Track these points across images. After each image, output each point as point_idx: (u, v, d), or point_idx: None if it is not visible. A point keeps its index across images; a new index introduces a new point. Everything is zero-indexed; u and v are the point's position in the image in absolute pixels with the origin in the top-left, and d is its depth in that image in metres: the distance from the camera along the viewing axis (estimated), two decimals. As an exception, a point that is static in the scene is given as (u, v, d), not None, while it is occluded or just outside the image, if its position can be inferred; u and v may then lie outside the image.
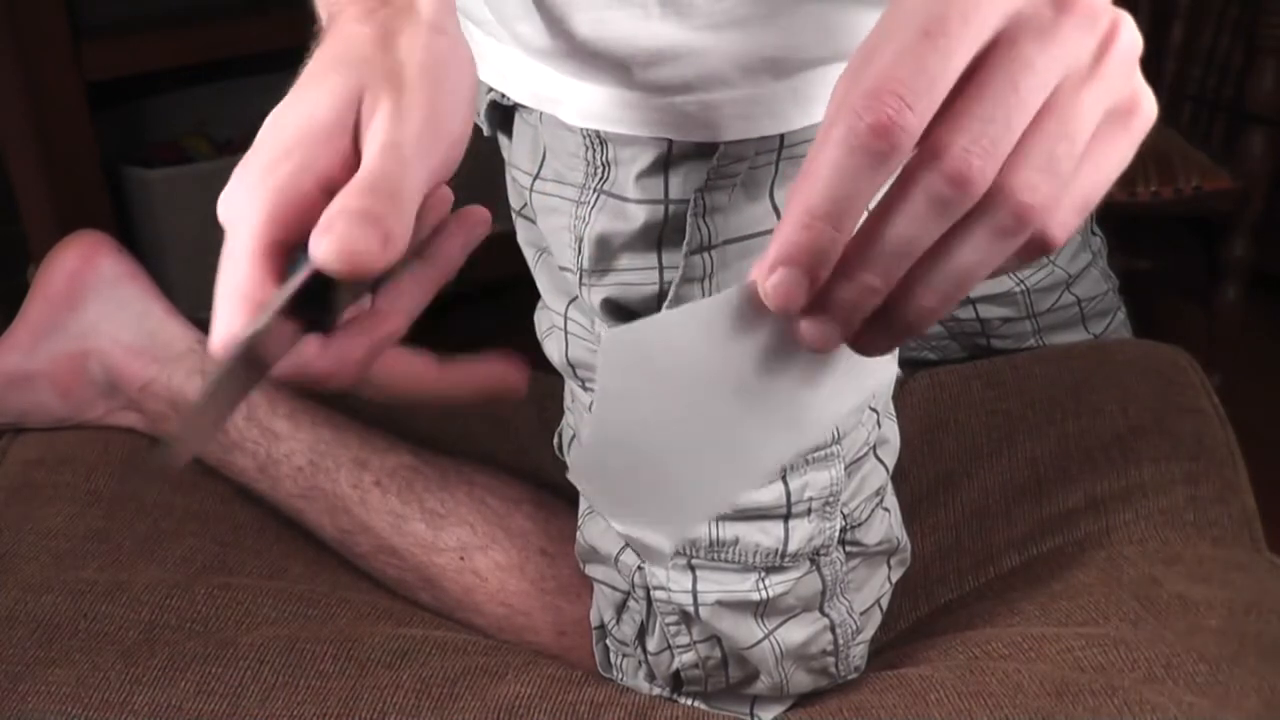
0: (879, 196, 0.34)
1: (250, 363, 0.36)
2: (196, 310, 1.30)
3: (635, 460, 0.39)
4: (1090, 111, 0.34)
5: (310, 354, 0.37)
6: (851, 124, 0.32)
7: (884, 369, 0.41)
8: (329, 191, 0.37)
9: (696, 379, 0.38)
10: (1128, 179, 1.54)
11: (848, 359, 0.39)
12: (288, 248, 0.37)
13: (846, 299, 0.35)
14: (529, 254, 0.66)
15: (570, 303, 0.62)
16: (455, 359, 0.41)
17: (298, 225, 0.37)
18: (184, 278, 1.52)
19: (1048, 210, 0.33)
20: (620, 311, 0.59)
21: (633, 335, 0.37)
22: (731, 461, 0.40)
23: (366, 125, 0.38)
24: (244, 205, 0.37)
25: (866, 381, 0.41)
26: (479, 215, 0.42)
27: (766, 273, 0.34)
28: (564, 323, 0.63)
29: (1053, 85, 0.33)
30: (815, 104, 0.53)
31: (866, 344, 0.37)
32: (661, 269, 0.57)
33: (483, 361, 0.41)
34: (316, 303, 0.37)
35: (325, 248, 0.34)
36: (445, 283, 0.42)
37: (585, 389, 0.64)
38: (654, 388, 0.38)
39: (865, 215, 0.34)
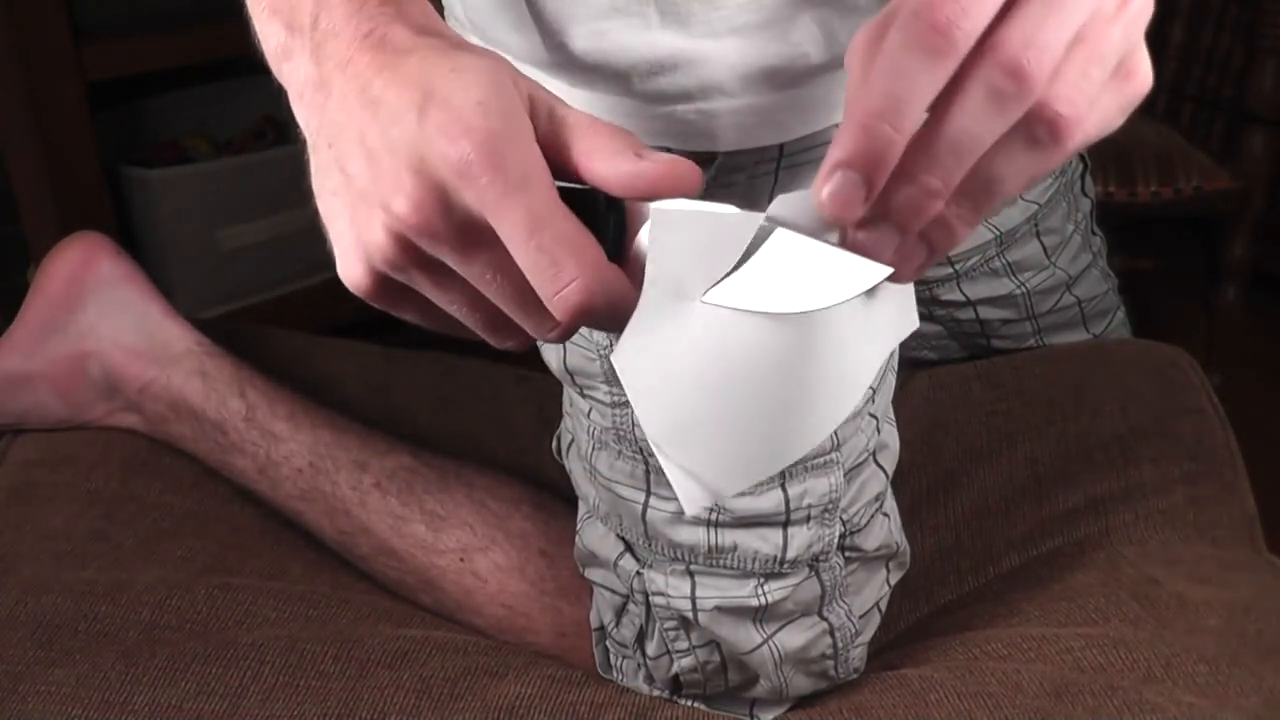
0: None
1: None
2: (196, 310, 1.30)
3: (684, 362, 0.38)
4: (1115, 44, 0.35)
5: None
6: (910, 23, 0.33)
7: (905, 316, 0.42)
8: None
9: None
10: (1128, 178, 1.54)
11: (869, 310, 0.39)
12: None
13: (907, 202, 0.35)
14: None
15: None
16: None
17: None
18: (184, 278, 1.52)
19: (1076, 127, 0.35)
20: None
21: (685, 220, 0.37)
22: (786, 400, 0.39)
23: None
24: (531, 163, 0.36)
25: (890, 330, 0.41)
26: None
27: (824, 179, 0.34)
28: None
29: (1091, 8, 0.35)
30: (815, 113, 0.53)
31: (903, 260, 0.37)
32: None
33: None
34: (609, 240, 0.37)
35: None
36: None
37: (583, 396, 0.64)
38: (700, 289, 0.38)
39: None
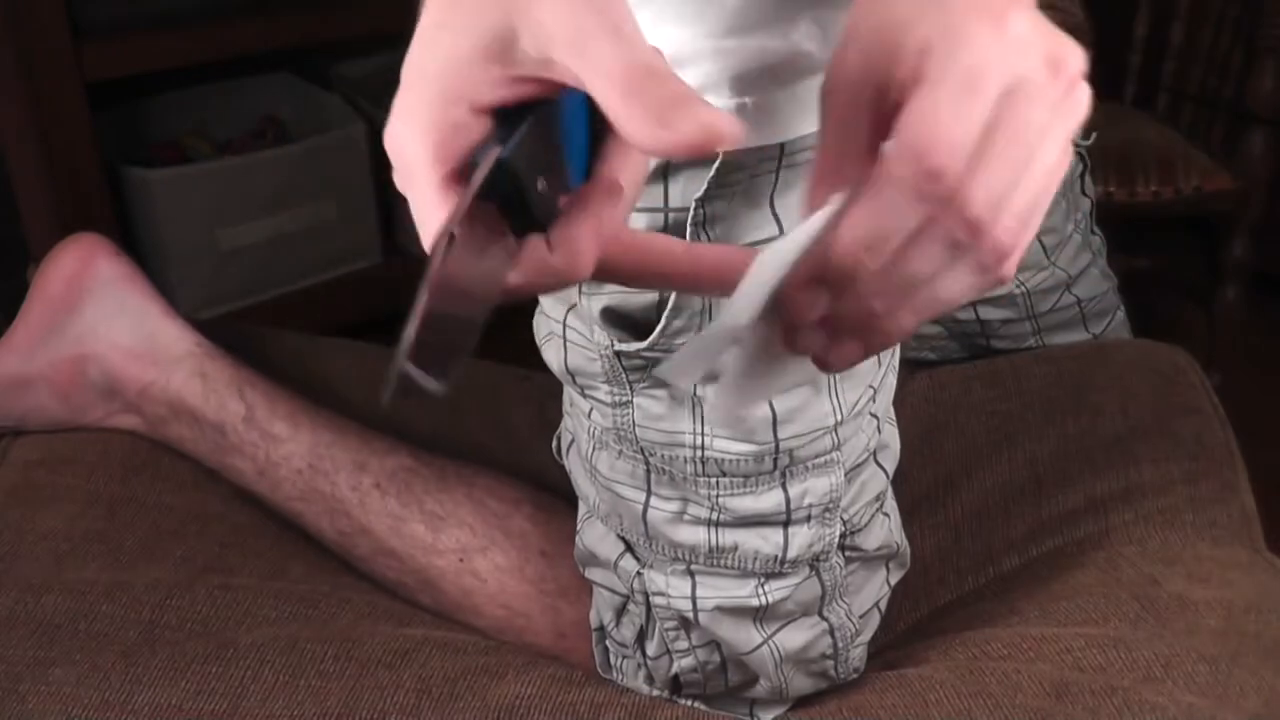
0: None
1: (465, 283, 0.34)
2: (196, 311, 1.30)
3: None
4: (1051, 166, 0.37)
5: (540, 253, 0.37)
6: (909, 163, 0.35)
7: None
8: (483, 113, 0.37)
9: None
10: (1128, 178, 1.54)
11: None
12: (459, 172, 0.37)
13: (850, 316, 0.38)
14: None
15: (569, 310, 0.61)
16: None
17: (461, 149, 0.37)
18: (184, 278, 1.52)
19: (1018, 253, 0.37)
20: (620, 320, 0.59)
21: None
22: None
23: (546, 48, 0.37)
24: (410, 147, 0.37)
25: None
26: None
27: (800, 304, 0.37)
28: (562, 330, 0.62)
29: (1047, 149, 0.37)
30: (816, 111, 0.53)
31: (837, 358, 0.40)
32: None
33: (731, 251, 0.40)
34: (515, 206, 0.36)
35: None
36: (642, 181, 0.41)
37: (584, 396, 0.63)
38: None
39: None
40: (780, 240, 0.38)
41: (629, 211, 0.41)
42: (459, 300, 0.34)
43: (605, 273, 0.39)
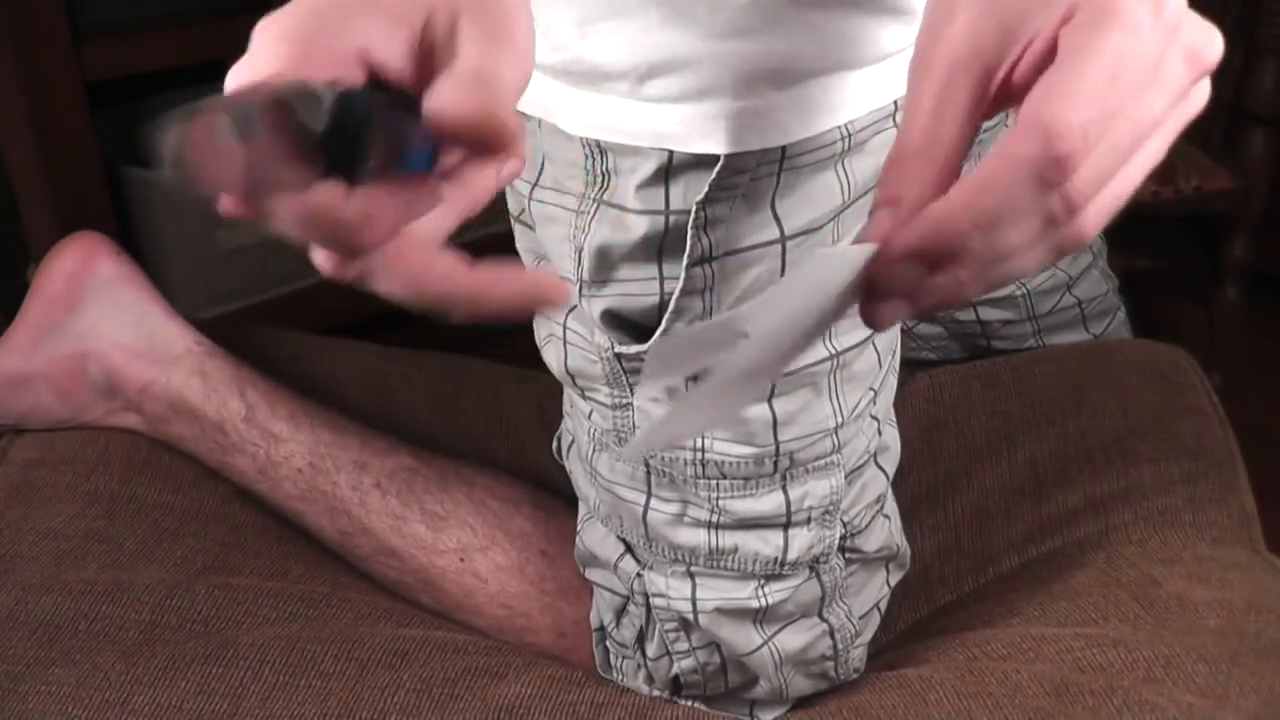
0: None
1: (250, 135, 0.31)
2: (196, 311, 1.30)
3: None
4: (1151, 157, 0.36)
5: (335, 194, 0.33)
6: (1040, 149, 0.33)
7: None
8: (365, 64, 0.35)
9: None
10: (1127, 179, 1.54)
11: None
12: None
13: (936, 289, 0.35)
14: (527, 260, 0.66)
15: (569, 312, 0.61)
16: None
17: (318, 71, 0.34)
18: (184, 278, 1.52)
19: (1090, 237, 0.35)
20: (620, 322, 0.59)
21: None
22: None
23: (446, 44, 0.36)
24: (274, 40, 0.34)
25: None
26: (517, 162, 0.38)
27: (895, 261, 0.35)
28: (563, 332, 0.62)
29: (1155, 140, 0.35)
30: (817, 114, 0.53)
31: (885, 316, 0.37)
32: (662, 280, 0.56)
33: (521, 271, 0.37)
34: (340, 147, 0.33)
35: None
36: (469, 214, 0.38)
37: (584, 398, 0.63)
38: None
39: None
40: (832, 259, 0.36)
41: (443, 233, 0.38)
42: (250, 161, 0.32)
43: (389, 273, 0.35)
